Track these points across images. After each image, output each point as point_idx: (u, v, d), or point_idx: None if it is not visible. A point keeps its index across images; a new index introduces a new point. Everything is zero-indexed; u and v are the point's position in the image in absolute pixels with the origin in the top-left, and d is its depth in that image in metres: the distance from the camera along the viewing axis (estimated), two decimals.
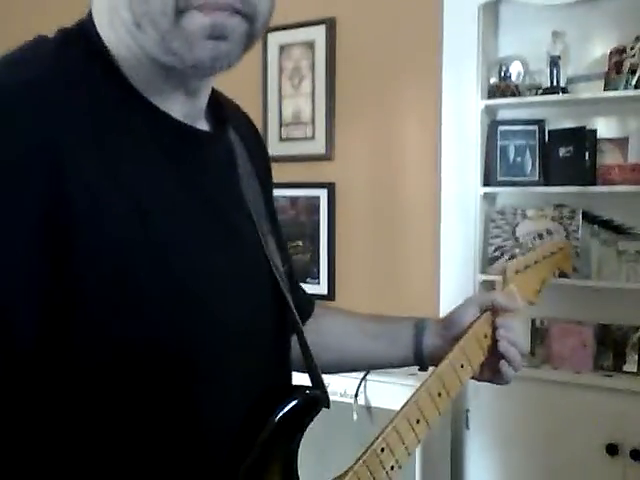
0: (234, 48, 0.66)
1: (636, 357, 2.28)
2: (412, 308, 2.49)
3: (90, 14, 0.70)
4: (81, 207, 0.59)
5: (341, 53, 2.77)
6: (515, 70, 2.50)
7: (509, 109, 2.55)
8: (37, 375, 0.60)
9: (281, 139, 2.86)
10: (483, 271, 2.47)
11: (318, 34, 2.77)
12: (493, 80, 2.51)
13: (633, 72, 2.28)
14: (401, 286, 2.67)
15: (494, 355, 0.95)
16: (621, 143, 2.39)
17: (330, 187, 2.78)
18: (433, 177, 2.60)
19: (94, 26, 0.69)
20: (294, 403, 0.73)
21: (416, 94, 2.66)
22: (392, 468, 0.83)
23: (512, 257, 1.05)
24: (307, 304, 1.00)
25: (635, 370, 2.28)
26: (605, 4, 2.42)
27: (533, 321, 2.49)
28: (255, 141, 0.89)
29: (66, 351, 0.60)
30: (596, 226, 2.40)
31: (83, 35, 0.69)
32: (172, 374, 0.65)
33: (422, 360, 0.97)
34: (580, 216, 2.39)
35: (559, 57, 2.40)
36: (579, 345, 2.35)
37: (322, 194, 2.79)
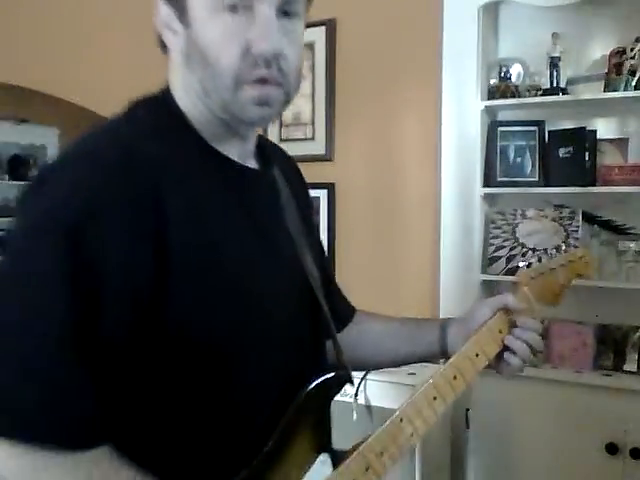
0: (274, 111, 0.93)
1: (636, 357, 2.29)
2: (412, 308, 2.50)
3: (167, 86, 0.97)
4: (173, 229, 0.82)
5: (341, 54, 2.78)
6: (515, 71, 2.51)
7: (509, 110, 2.56)
8: (140, 340, 0.83)
9: (281, 140, 2.87)
10: (483, 271, 2.48)
11: (318, 35, 2.77)
12: (493, 81, 2.52)
13: (633, 73, 2.29)
14: (401, 286, 2.68)
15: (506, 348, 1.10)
16: (621, 144, 2.40)
17: (330, 187, 2.79)
18: (433, 177, 2.60)
19: (172, 94, 0.95)
20: (326, 377, 0.95)
21: (416, 95, 2.66)
22: (412, 435, 0.99)
23: (529, 265, 1.16)
24: (347, 309, 1.22)
25: (635, 369, 2.28)
26: (605, 5, 2.42)
27: None
28: (295, 174, 1.14)
29: (159, 330, 0.83)
30: (596, 226, 2.41)
31: (165, 102, 0.95)
32: (232, 355, 0.88)
33: (446, 353, 1.13)
34: (580, 216, 2.39)
35: (559, 58, 2.40)
36: (579, 345, 2.36)
37: (322, 194, 2.80)
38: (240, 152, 0.97)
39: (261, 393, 0.92)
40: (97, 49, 3.42)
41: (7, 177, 6.70)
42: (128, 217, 0.81)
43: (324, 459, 0.95)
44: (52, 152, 6.93)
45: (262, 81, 0.88)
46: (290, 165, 1.14)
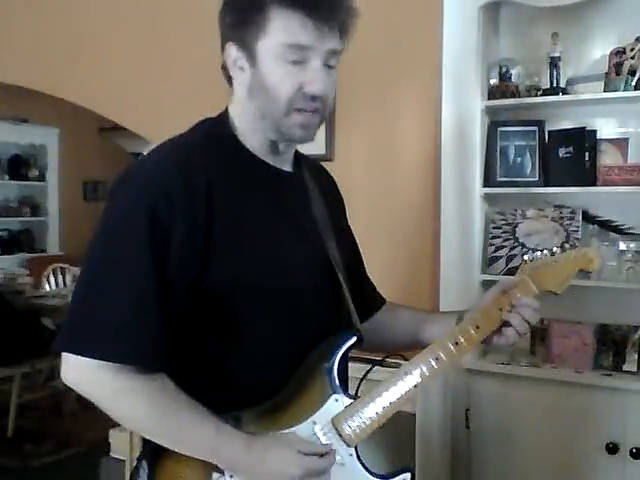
0: (312, 134, 1.25)
1: (636, 357, 2.29)
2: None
3: (226, 109, 1.27)
4: (219, 214, 1.14)
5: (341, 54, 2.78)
6: (515, 71, 2.50)
7: (509, 110, 2.55)
8: (194, 290, 1.14)
9: None
10: (483, 271, 2.48)
11: None
12: (493, 81, 2.51)
13: (633, 73, 2.28)
14: (401, 286, 2.68)
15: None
16: (621, 144, 2.40)
17: None
18: (433, 177, 2.60)
19: (228, 116, 1.26)
20: (341, 333, 1.24)
21: (416, 95, 2.66)
22: (415, 386, 1.22)
23: (532, 259, 1.33)
24: (378, 299, 1.49)
25: (635, 370, 2.28)
26: (605, 5, 2.42)
27: None
28: (326, 179, 1.44)
29: (205, 279, 1.13)
30: (596, 226, 2.41)
31: (221, 121, 1.26)
32: (260, 312, 1.18)
33: None
34: (580, 216, 2.39)
35: (559, 58, 2.40)
36: (579, 345, 2.36)
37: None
38: (276, 160, 1.26)
39: (285, 343, 1.21)
40: (97, 49, 3.42)
41: (7, 177, 6.71)
42: (188, 203, 1.11)
43: (338, 398, 1.20)
44: (52, 152, 6.94)
45: (312, 111, 1.20)
46: (325, 177, 1.45)
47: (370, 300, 1.47)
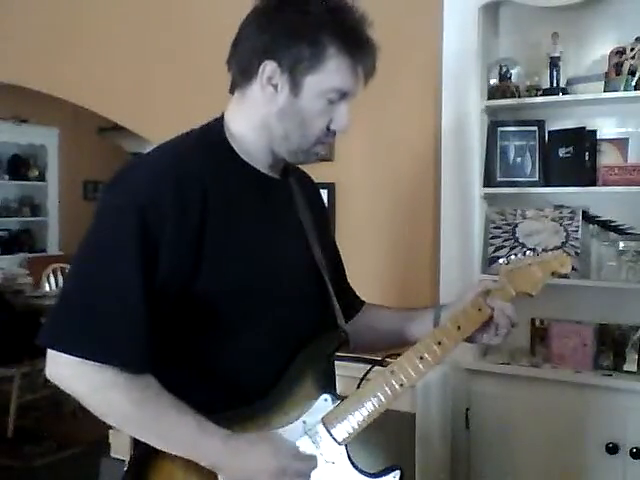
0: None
1: (636, 357, 2.29)
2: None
3: (222, 115, 1.29)
4: (212, 217, 1.14)
5: None
6: (515, 71, 2.51)
7: (509, 110, 2.56)
8: (183, 293, 1.14)
9: None
10: (483, 271, 2.48)
11: None
12: (493, 81, 2.52)
13: (633, 73, 2.29)
14: (401, 286, 2.68)
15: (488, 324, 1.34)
16: (621, 143, 2.40)
17: (330, 187, 2.79)
18: (433, 177, 2.61)
19: (223, 121, 1.27)
20: (328, 334, 1.28)
21: (416, 95, 2.67)
22: (401, 385, 1.24)
23: (508, 262, 1.38)
24: (356, 300, 1.54)
25: (635, 370, 2.28)
26: (605, 6, 2.42)
27: (533, 321, 2.49)
28: (312, 188, 1.49)
29: (195, 282, 1.14)
30: (596, 226, 2.41)
31: (215, 127, 1.27)
32: (248, 313, 1.20)
33: None
34: (580, 216, 2.39)
35: (559, 58, 2.41)
36: (579, 345, 2.36)
37: (322, 194, 2.79)
38: (269, 169, 1.29)
39: (273, 344, 1.22)
40: (97, 49, 3.42)
41: (7, 177, 6.71)
42: (180, 210, 1.12)
43: (327, 398, 1.23)
44: (52, 152, 6.95)
45: (329, 142, 1.29)
46: (310, 184, 1.49)
47: (350, 303, 1.50)
